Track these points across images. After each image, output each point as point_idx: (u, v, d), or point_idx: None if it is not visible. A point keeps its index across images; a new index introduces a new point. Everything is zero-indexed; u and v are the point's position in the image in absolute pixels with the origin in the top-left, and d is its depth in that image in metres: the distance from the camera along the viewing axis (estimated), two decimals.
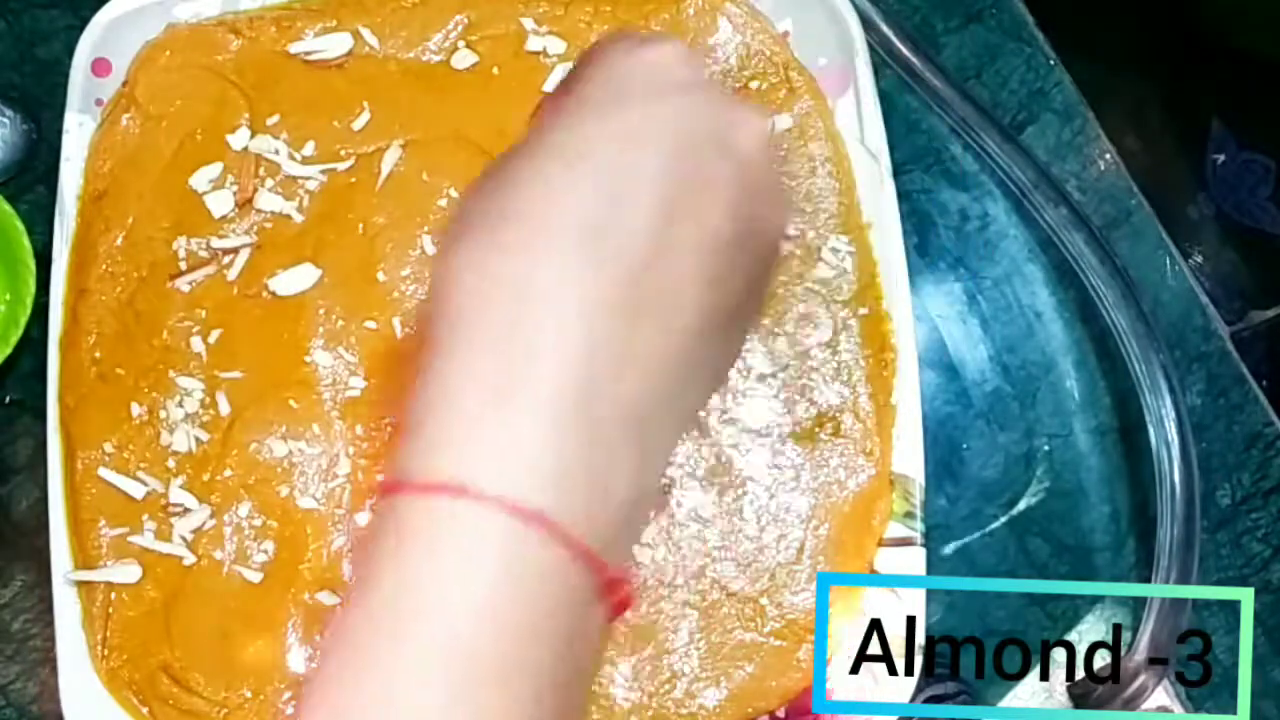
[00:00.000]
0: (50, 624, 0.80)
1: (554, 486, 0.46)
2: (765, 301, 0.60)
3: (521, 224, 0.50)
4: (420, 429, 0.48)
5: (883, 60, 0.89)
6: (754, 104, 0.57)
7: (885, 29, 0.89)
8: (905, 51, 0.90)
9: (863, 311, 0.82)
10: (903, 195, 0.85)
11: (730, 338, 0.56)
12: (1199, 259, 0.95)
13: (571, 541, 0.46)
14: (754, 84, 0.84)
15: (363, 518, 0.81)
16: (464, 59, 0.84)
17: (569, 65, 0.83)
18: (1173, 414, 0.86)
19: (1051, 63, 0.96)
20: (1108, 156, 0.95)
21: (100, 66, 0.84)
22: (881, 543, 0.81)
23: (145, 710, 0.80)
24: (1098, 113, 0.96)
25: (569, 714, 0.49)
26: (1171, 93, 0.99)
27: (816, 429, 0.82)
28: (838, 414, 0.82)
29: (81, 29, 0.83)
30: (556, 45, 0.84)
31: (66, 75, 0.84)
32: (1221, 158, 0.98)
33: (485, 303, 0.49)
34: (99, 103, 0.84)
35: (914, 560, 0.80)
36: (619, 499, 0.48)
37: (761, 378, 0.82)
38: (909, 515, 0.80)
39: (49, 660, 0.81)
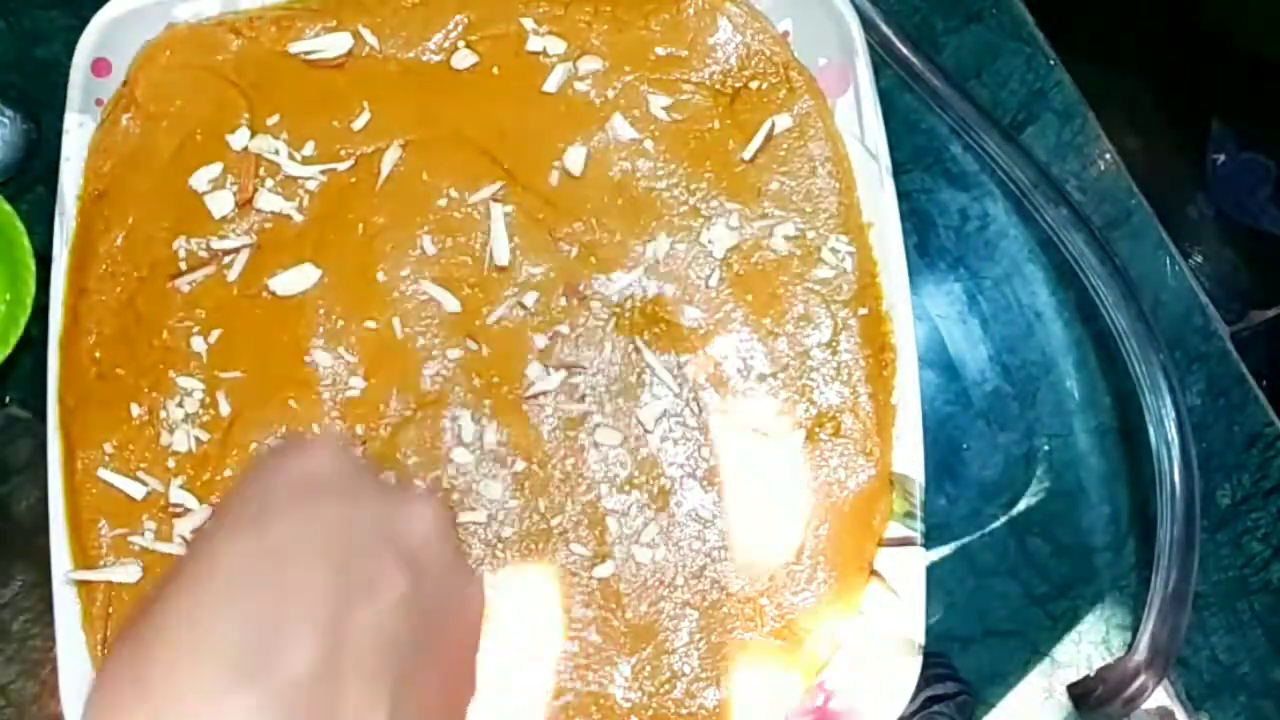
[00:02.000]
0: (50, 624, 0.80)
1: None
2: (470, 679, 0.63)
3: (165, 660, 0.49)
4: None
5: (883, 60, 0.89)
6: (417, 492, 0.57)
7: (885, 29, 0.89)
8: (905, 51, 0.90)
9: (863, 311, 0.82)
10: (903, 195, 0.85)
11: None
12: (1199, 259, 0.95)
13: None
14: (754, 84, 0.84)
15: None
16: (464, 59, 0.84)
17: (569, 65, 0.83)
18: (1173, 414, 0.86)
19: (1051, 63, 0.96)
20: (1108, 156, 0.95)
21: (100, 66, 0.84)
22: (881, 543, 0.81)
23: None
24: (1098, 113, 0.96)
25: None
26: (1171, 93, 0.98)
27: (816, 429, 0.82)
28: (838, 414, 0.82)
29: (81, 29, 0.83)
30: (556, 45, 0.84)
31: (66, 75, 0.84)
32: (1221, 158, 0.98)
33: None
34: (99, 103, 0.84)
35: (914, 561, 0.80)
36: None
37: (761, 378, 0.82)
38: (909, 515, 0.80)
39: (49, 660, 0.82)
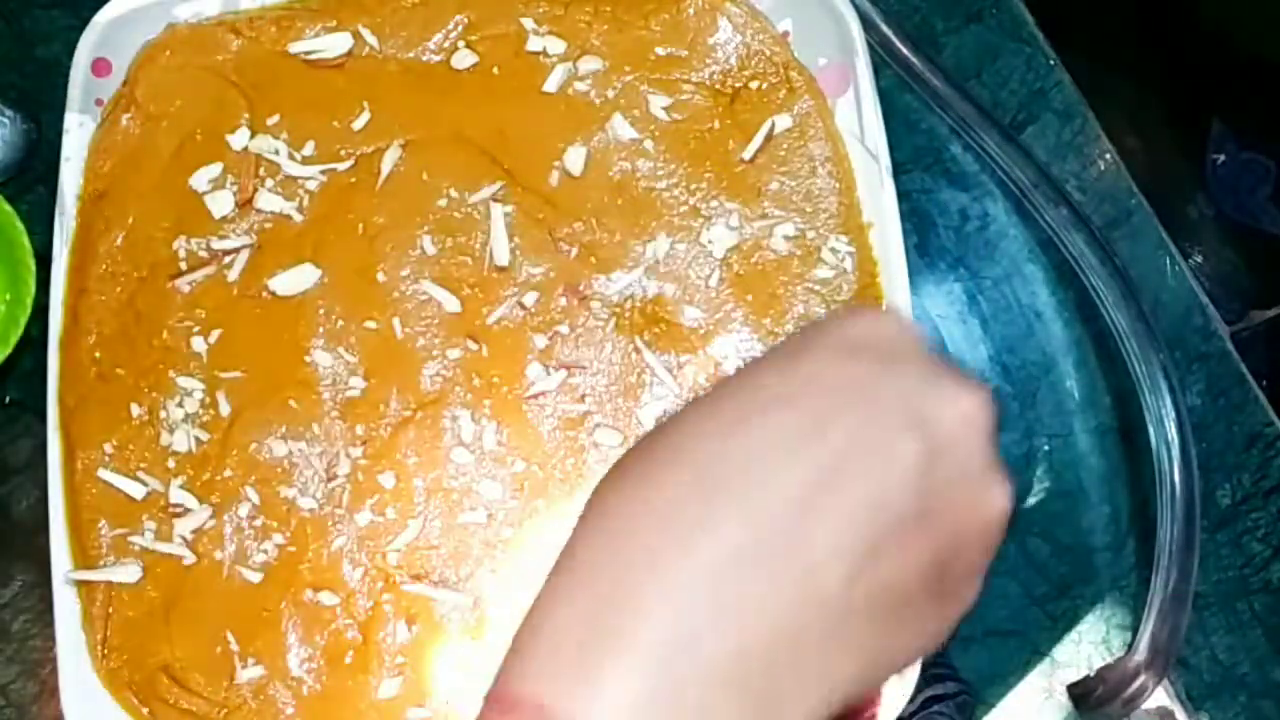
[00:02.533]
0: (50, 624, 0.80)
1: None
2: (966, 595, 0.55)
3: (677, 465, 0.50)
4: (524, 648, 0.48)
5: (883, 60, 0.89)
6: (972, 383, 0.52)
7: (885, 29, 0.89)
8: (905, 51, 0.90)
9: None
10: (903, 195, 0.85)
11: (895, 623, 0.51)
12: (1199, 259, 0.95)
13: None
14: (754, 84, 0.84)
15: (363, 517, 0.81)
16: (464, 59, 0.84)
17: (569, 65, 0.83)
18: (1173, 414, 0.86)
19: (1051, 63, 0.96)
20: (1108, 156, 0.95)
21: (100, 66, 0.84)
22: None
23: (145, 710, 0.80)
24: (1098, 113, 0.96)
25: None
26: (1171, 93, 0.98)
27: None
28: None
29: (81, 29, 0.83)
30: (556, 45, 0.84)
31: (66, 75, 0.84)
32: (1221, 158, 0.98)
33: (611, 532, 0.50)
34: (99, 103, 0.84)
35: None
36: None
37: None
38: None
39: (49, 660, 0.82)
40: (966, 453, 0.51)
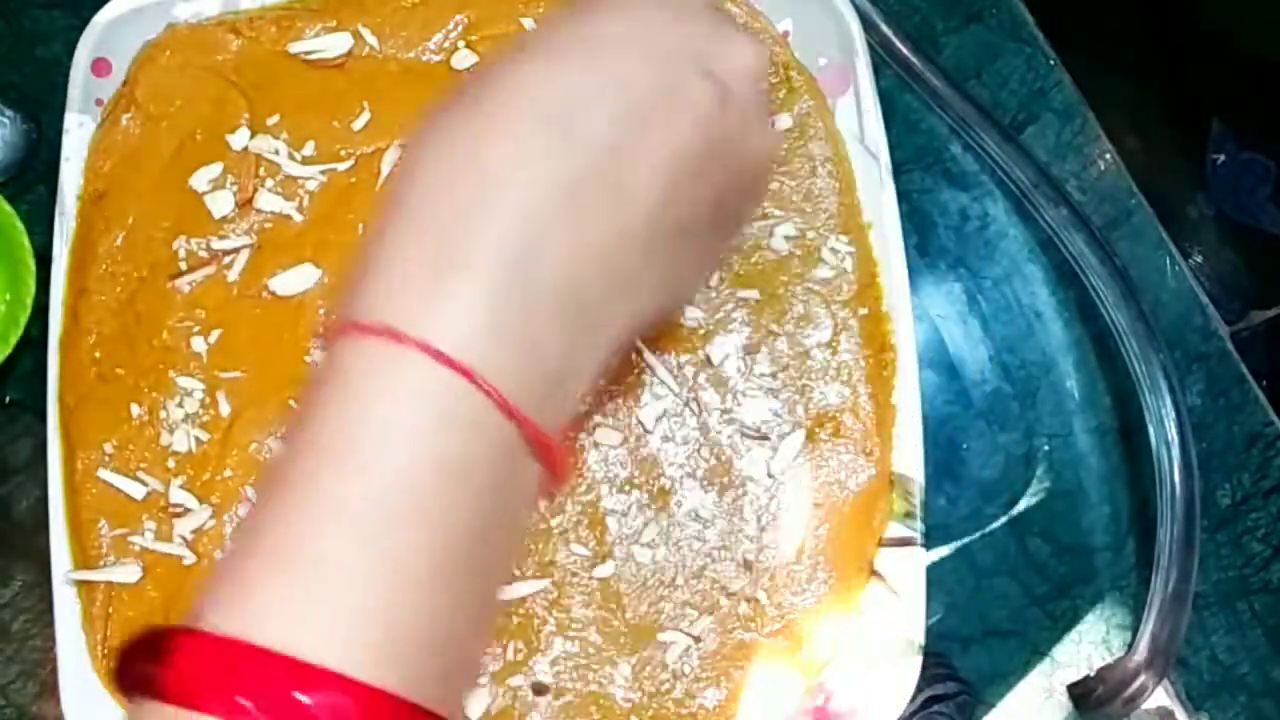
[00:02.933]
0: (50, 624, 0.80)
1: (484, 343, 0.48)
2: (734, 230, 0.63)
3: (490, 108, 0.53)
4: (365, 279, 0.50)
5: (883, 60, 0.89)
6: (749, 35, 0.58)
7: (885, 29, 0.89)
8: (905, 51, 0.90)
9: (863, 312, 0.82)
10: (903, 195, 0.85)
11: (686, 249, 0.57)
12: (1199, 259, 0.95)
13: (498, 394, 0.48)
14: None
15: None
16: (464, 59, 0.84)
17: None
18: (1173, 414, 0.86)
19: (1051, 63, 0.96)
20: (1108, 156, 0.95)
21: (100, 66, 0.84)
22: (881, 543, 0.81)
23: None
24: (1098, 113, 0.96)
25: (497, 562, 0.51)
26: (1171, 93, 0.98)
27: (816, 429, 0.82)
28: (838, 414, 0.82)
29: (81, 29, 0.83)
30: None
31: (66, 75, 0.84)
32: (1221, 158, 0.98)
33: (440, 172, 0.52)
34: (99, 103, 0.84)
35: (914, 561, 0.80)
36: (549, 367, 0.51)
37: (761, 378, 0.82)
38: (909, 515, 0.80)
39: (49, 660, 0.81)
40: (747, 99, 0.57)
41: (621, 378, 0.82)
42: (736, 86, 0.56)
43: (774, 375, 0.82)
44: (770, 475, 0.82)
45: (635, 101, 0.53)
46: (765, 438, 0.82)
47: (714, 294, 0.83)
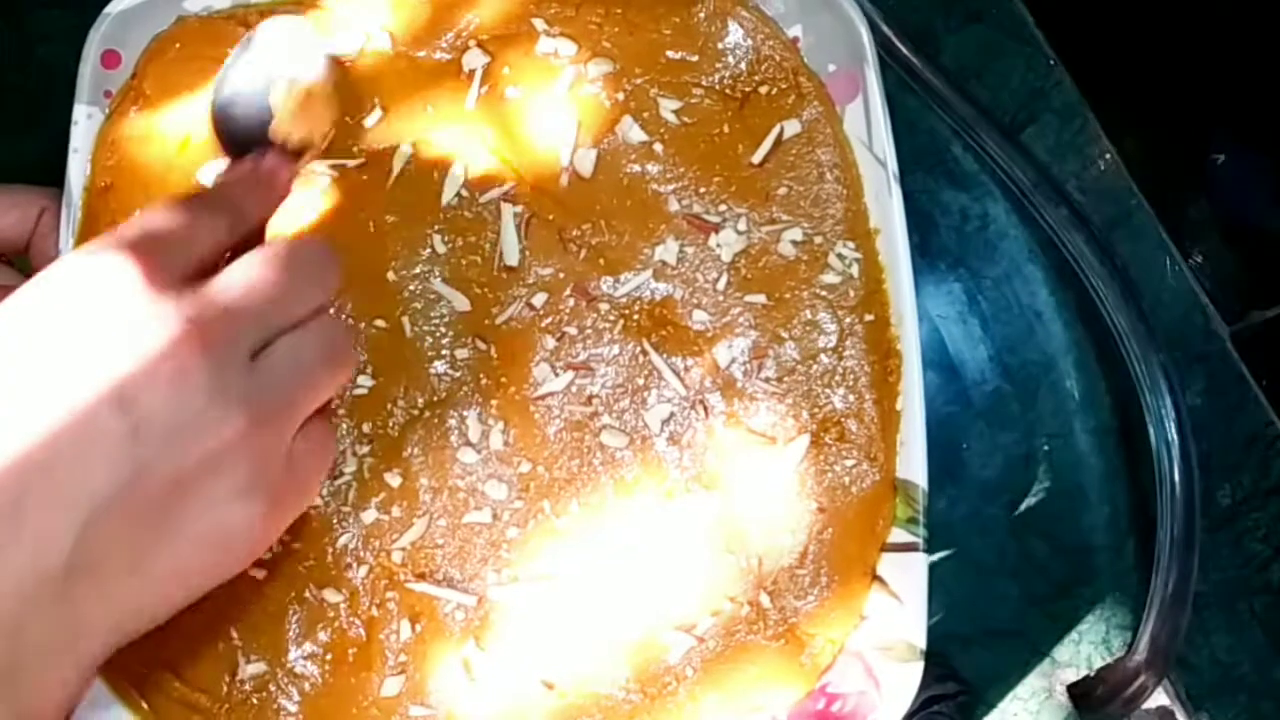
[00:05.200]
0: None
1: None
2: (225, 531, 0.61)
3: None
4: None
5: (883, 61, 0.89)
6: (165, 331, 0.57)
7: (886, 30, 0.89)
8: (906, 52, 0.90)
9: (868, 318, 0.82)
10: (904, 196, 0.85)
11: (141, 566, 0.57)
12: (1199, 259, 0.95)
13: None
14: (763, 89, 0.84)
15: (368, 515, 0.81)
16: (475, 59, 0.84)
17: (580, 67, 0.83)
18: (1173, 414, 0.86)
19: (1051, 63, 0.96)
20: (1108, 156, 0.95)
21: (110, 59, 0.84)
22: (884, 548, 0.81)
23: (146, 705, 0.80)
24: (1098, 113, 0.96)
25: None
26: (1171, 93, 0.98)
27: (821, 434, 0.82)
28: (842, 419, 0.82)
29: (84, 29, 0.83)
30: (568, 47, 0.84)
31: (68, 75, 0.84)
32: (1221, 158, 0.98)
33: None
34: (108, 95, 0.84)
35: (916, 566, 0.81)
36: None
37: (767, 382, 0.82)
38: (912, 521, 0.81)
39: None
40: (174, 411, 0.56)
41: (629, 380, 0.82)
42: (158, 403, 0.55)
43: (780, 379, 0.82)
44: (774, 480, 0.82)
45: (35, 452, 0.53)
46: (769, 442, 0.82)
47: (721, 298, 0.83)
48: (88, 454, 0.54)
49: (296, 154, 0.75)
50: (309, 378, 0.65)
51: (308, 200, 0.83)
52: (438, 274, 0.82)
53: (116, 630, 0.57)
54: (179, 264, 0.61)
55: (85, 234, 0.83)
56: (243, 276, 0.62)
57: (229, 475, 0.58)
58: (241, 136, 0.75)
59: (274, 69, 0.75)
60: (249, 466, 0.59)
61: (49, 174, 0.84)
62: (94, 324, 0.56)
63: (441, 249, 0.83)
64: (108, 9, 0.83)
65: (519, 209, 0.83)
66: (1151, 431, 0.87)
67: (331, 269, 0.70)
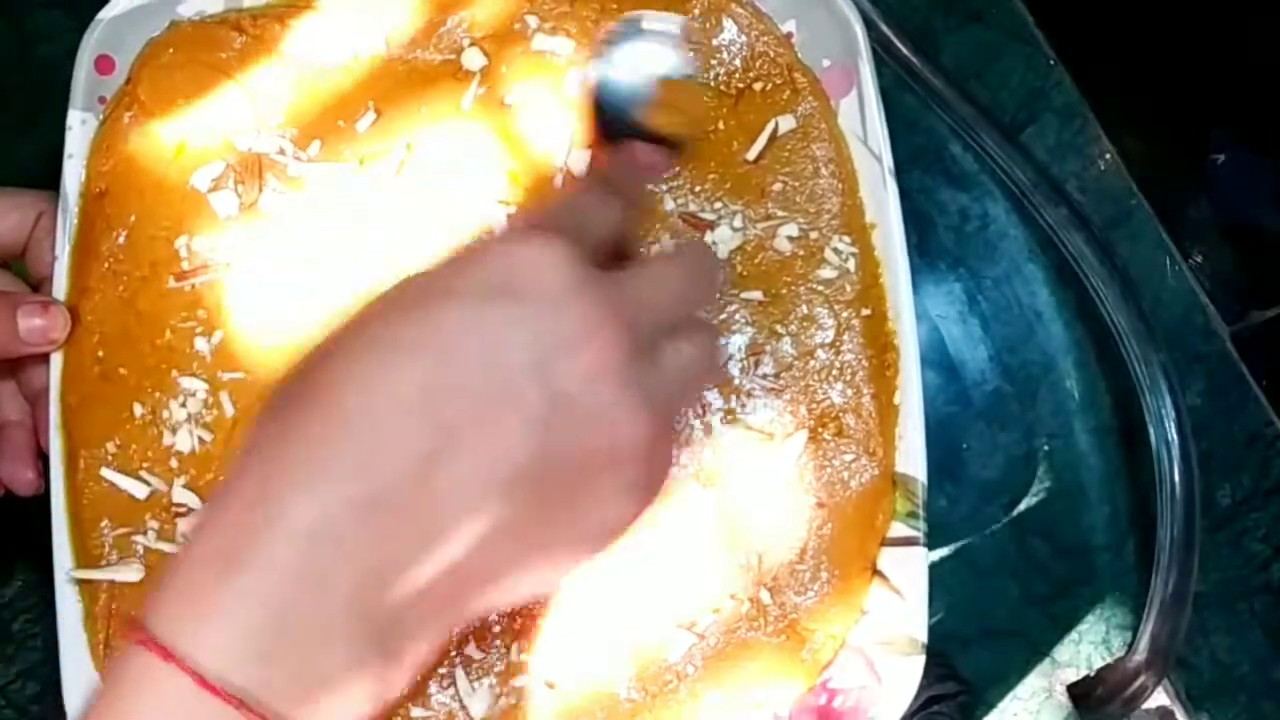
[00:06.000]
0: (51, 624, 0.80)
1: (253, 665, 0.49)
2: (623, 510, 0.60)
3: (317, 410, 0.53)
4: (166, 579, 0.52)
5: (882, 60, 0.89)
6: (596, 324, 0.55)
7: (885, 29, 0.89)
8: (905, 51, 0.90)
9: (865, 312, 0.82)
10: (903, 195, 0.84)
11: (529, 547, 0.57)
12: (1199, 259, 0.95)
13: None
14: (758, 85, 0.84)
15: None
16: (470, 59, 0.84)
17: (575, 66, 0.83)
18: (1173, 414, 0.86)
19: (1051, 63, 0.96)
20: (1108, 156, 0.95)
21: (104, 64, 0.84)
22: (884, 542, 0.81)
23: None
24: (1098, 113, 0.96)
25: None
26: (1171, 93, 0.98)
27: (819, 429, 0.82)
28: (840, 414, 0.82)
29: (82, 30, 0.83)
30: (564, 45, 0.84)
31: (67, 76, 0.84)
32: (1221, 158, 0.98)
33: (246, 471, 0.53)
34: (102, 100, 0.84)
35: (916, 560, 0.80)
36: (332, 686, 0.51)
37: (765, 378, 0.82)
38: (912, 515, 0.80)
39: (49, 660, 0.81)
40: (592, 396, 0.55)
41: None
42: (576, 387, 0.54)
43: (777, 375, 0.82)
44: (773, 475, 0.82)
45: (451, 420, 0.52)
46: (768, 437, 0.82)
47: (718, 295, 0.82)
48: (508, 421, 0.53)
49: (667, 144, 0.75)
50: (696, 380, 0.65)
51: (303, 203, 0.83)
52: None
53: (480, 601, 0.57)
54: (591, 246, 0.60)
55: (81, 239, 0.83)
56: (653, 272, 0.62)
57: (622, 472, 0.57)
58: (614, 124, 0.75)
59: (648, 61, 0.75)
60: (641, 466, 0.58)
61: (48, 175, 0.84)
62: (523, 293, 0.55)
63: (437, 254, 0.82)
64: (101, 14, 0.83)
65: (514, 209, 0.83)
66: (1151, 431, 0.87)
67: (721, 272, 0.73)
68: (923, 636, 0.79)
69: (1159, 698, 0.88)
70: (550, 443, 0.54)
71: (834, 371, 0.82)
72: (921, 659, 0.79)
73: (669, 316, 0.61)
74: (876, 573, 0.81)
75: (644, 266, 0.63)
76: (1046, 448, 0.93)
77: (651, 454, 0.58)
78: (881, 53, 0.88)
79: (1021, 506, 0.92)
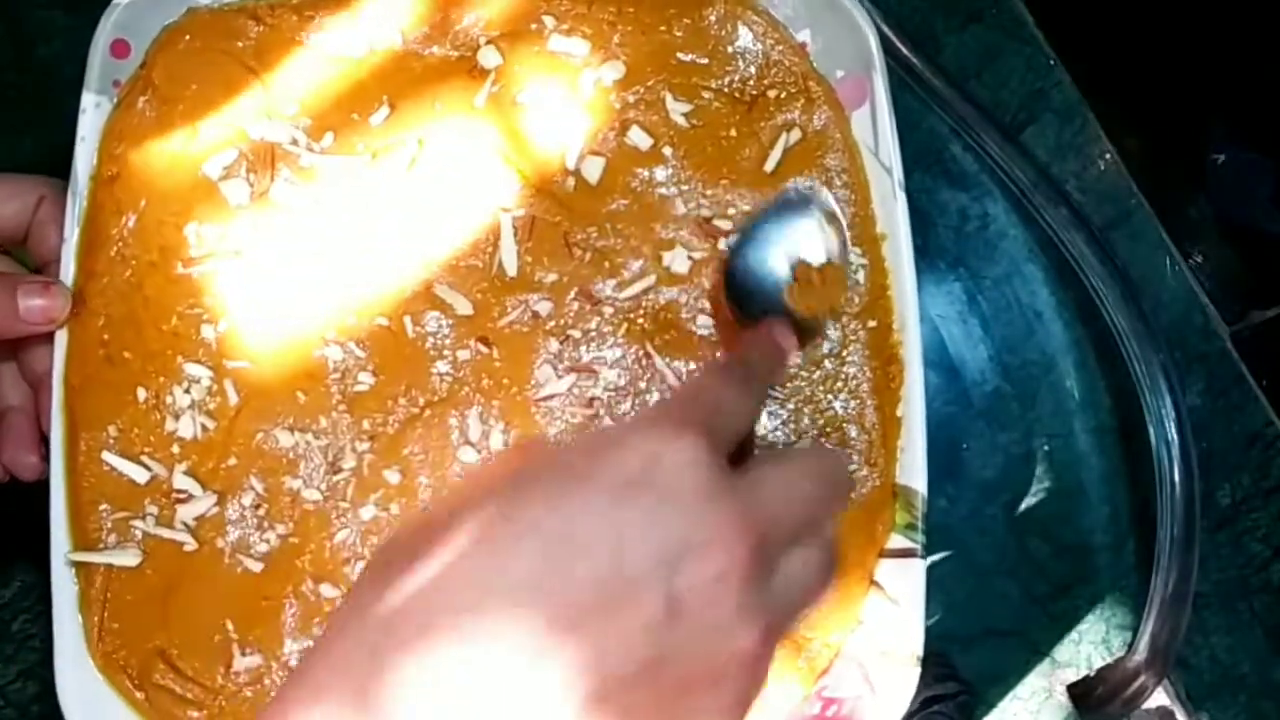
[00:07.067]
0: (50, 625, 0.80)
1: None
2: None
3: (442, 575, 0.52)
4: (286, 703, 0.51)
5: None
6: (734, 532, 0.54)
7: (886, 29, 0.89)
8: (905, 52, 0.90)
9: (871, 324, 0.82)
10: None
11: None
12: (1199, 259, 0.95)
13: None
14: (772, 93, 0.84)
15: (367, 511, 0.81)
16: (486, 57, 0.83)
17: (591, 67, 0.83)
18: (1173, 414, 0.86)
19: (1051, 63, 0.96)
20: (1108, 156, 0.96)
21: (119, 48, 0.83)
22: (883, 553, 0.81)
23: (140, 694, 0.80)
24: (1098, 113, 0.96)
25: None
26: (1171, 93, 0.99)
27: (822, 438, 0.82)
28: (843, 424, 0.82)
29: (82, 29, 0.82)
30: (579, 46, 0.83)
31: (66, 76, 0.83)
32: (1221, 158, 0.98)
33: (369, 620, 0.52)
34: (116, 84, 0.84)
35: (914, 572, 0.80)
36: None
37: (769, 386, 0.82)
38: (910, 527, 0.80)
39: (49, 660, 0.81)
40: (712, 608, 0.53)
41: (631, 383, 0.82)
42: (699, 596, 0.52)
43: (782, 385, 0.82)
44: None
45: (571, 609, 0.51)
46: (772, 446, 0.82)
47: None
48: (625, 623, 0.51)
49: (804, 327, 0.75)
50: (810, 600, 0.61)
51: (314, 194, 0.83)
52: (440, 277, 0.82)
53: None
54: (727, 441, 0.59)
55: (90, 224, 0.82)
56: (786, 480, 0.60)
57: (726, 692, 0.54)
58: (755, 302, 0.75)
59: (791, 243, 0.75)
60: (746, 686, 0.55)
61: (47, 173, 0.83)
62: (659, 491, 0.53)
63: (446, 249, 0.82)
64: None
65: (523, 211, 0.83)
66: (1151, 431, 0.87)
67: (851, 484, 0.72)
68: (919, 648, 0.79)
69: (1159, 698, 0.88)
70: (662, 653, 0.52)
71: (838, 382, 0.82)
72: (917, 670, 0.79)
73: (796, 530, 0.59)
74: (874, 583, 0.81)
75: (778, 469, 0.60)
76: (1046, 448, 0.93)
77: (755, 671, 0.56)
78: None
79: (1021, 506, 0.92)
